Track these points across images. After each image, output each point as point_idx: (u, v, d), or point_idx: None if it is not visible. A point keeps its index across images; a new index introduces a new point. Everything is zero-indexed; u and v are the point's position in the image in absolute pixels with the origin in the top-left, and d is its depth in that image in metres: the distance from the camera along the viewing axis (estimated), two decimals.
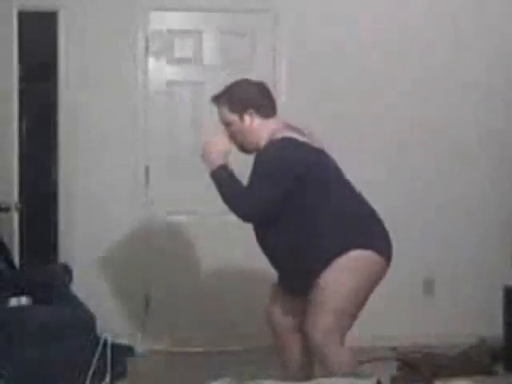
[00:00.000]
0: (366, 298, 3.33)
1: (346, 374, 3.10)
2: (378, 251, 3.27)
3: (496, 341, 4.75)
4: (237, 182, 3.30)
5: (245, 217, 3.30)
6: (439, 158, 5.37)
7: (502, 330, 4.74)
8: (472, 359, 4.62)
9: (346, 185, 3.38)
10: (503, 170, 5.40)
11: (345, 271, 3.23)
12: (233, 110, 3.34)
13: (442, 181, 5.36)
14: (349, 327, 3.32)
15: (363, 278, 3.27)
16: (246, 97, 3.36)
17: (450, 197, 5.35)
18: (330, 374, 3.23)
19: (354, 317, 3.32)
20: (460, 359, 4.62)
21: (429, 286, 5.37)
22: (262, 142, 3.32)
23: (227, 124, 3.38)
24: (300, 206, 3.25)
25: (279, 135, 3.27)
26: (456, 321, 5.30)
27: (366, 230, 3.31)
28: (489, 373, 4.53)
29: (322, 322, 3.23)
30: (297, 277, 3.35)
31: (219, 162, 3.31)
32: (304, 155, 3.25)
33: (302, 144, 3.27)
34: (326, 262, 3.23)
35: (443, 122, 5.35)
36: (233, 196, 3.28)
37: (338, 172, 3.39)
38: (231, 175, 3.30)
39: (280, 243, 3.32)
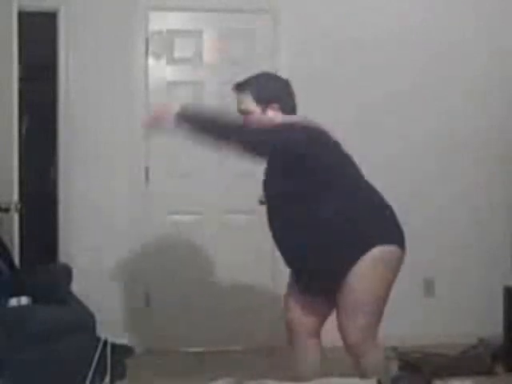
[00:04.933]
0: (390, 292, 3.32)
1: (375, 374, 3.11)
2: (399, 244, 3.27)
3: (496, 341, 4.76)
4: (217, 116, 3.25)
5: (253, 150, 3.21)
6: (440, 158, 5.37)
7: (502, 330, 4.75)
8: (472, 359, 4.62)
9: (362, 180, 3.35)
10: (503, 171, 5.40)
11: (373, 269, 3.19)
12: (258, 100, 3.28)
13: (442, 181, 5.36)
14: (378, 325, 3.34)
15: (389, 273, 3.27)
16: (272, 90, 3.32)
17: (450, 197, 5.36)
18: (365, 373, 3.25)
19: (382, 314, 3.34)
20: (460, 359, 4.62)
21: (429, 286, 5.37)
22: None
23: (247, 113, 3.30)
24: (315, 204, 3.19)
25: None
26: (456, 321, 5.30)
27: (384, 223, 3.28)
28: (489, 373, 4.54)
29: (356, 324, 3.23)
30: (319, 277, 3.29)
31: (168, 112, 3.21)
32: (334, 148, 3.27)
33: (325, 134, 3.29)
34: (352, 261, 3.19)
35: (444, 121, 5.35)
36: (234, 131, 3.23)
37: (355, 168, 3.36)
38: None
39: (299, 241, 3.24)
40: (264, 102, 3.29)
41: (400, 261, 3.31)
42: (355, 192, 3.28)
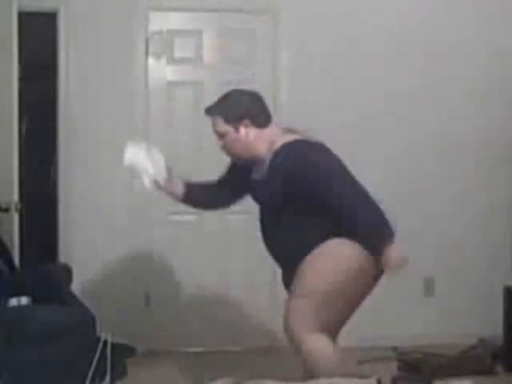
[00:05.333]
0: (353, 291, 3.24)
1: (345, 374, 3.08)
2: (362, 243, 3.20)
3: (496, 341, 4.76)
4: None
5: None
6: (440, 158, 5.37)
7: (502, 330, 4.75)
8: (472, 359, 4.62)
9: (353, 185, 3.30)
10: (503, 171, 5.40)
11: (320, 256, 3.21)
12: (228, 121, 3.33)
13: (442, 181, 5.36)
14: (331, 319, 3.23)
15: (343, 265, 3.21)
16: (240, 108, 3.35)
17: (450, 197, 5.36)
18: (304, 362, 3.20)
19: (336, 307, 3.23)
20: (460, 359, 4.62)
21: (429, 286, 5.37)
22: (260, 152, 3.33)
23: (222, 135, 3.37)
24: (298, 201, 3.23)
25: (281, 141, 3.28)
26: (456, 321, 5.30)
27: (356, 224, 3.21)
28: (489, 373, 4.54)
29: (296, 305, 3.20)
30: (285, 268, 3.38)
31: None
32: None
33: (311, 144, 3.28)
34: (306, 250, 3.23)
35: (444, 121, 5.35)
36: None
37: (341, 169, 3.33)
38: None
39: (276, 233, 3.35)
40: (234, 120, 3.33)
41: (361, 257, 3.22)
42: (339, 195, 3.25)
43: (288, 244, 3.32)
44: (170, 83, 5.22)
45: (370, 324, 4.85)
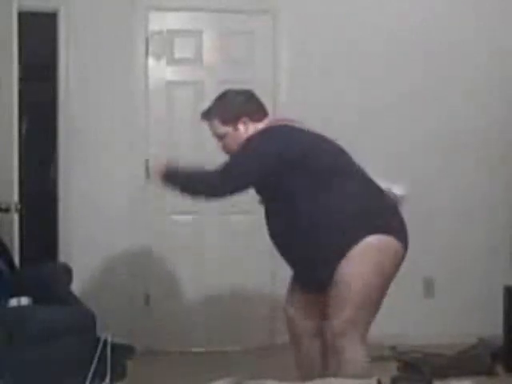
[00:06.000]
0: (386, 286, 3.24)
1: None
2: (393, 235, 3.20)
3: (496, 341, 4.75)
4: (192, 170, 3.36)
5: (219, 193, 3.32)
6: (440, 158, 5.37)
7: (502, 330, 4.75)
8: (472, 359, 4.62)
9: (354, 170, 3.32)
10: (503, 171, 5.41)
11: (361, 260, 3.14)
12: (225, 122, 3.36)
13: (442, 181, 5.36)
14: (370, 322, 3.25)
15: (383, 262, 3.18)
16: (236, 107, 3.38)
17: (450, 197, 5.36)
18: (339, 369, 3.17)
19: (375, 309, 3.25)
20: (460, 359, 4.62)
21: (429, 286, 5.37)
22: None
23: (221, 137, 3.39)
24: (301, 194, 3.18)
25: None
26: (456, 321, 5.30)
27: (378, 215, 3.22)
28: (489, 373, 4.54)
29: (344, 313, 3.15)
30: (311, 271, 3.26)
31: (161, 170, 3.38)
32: (299, 140, 3.24)
33: (298, 130, 3.28)
34: (340, 252, 3.15)
35: (444, 121, 5.36)
36: (200, 181, 3.33)
37: (345, 158, 3.33)
38: (182, 170, 3.37)
39: (289, 233, 3.25)
40: (231, 120, 3.35)
41: (398, 254, 3.23)
42: (349, 186, 3.25)
43: (305, 247, 3.23)
44: (170, 83, 5.22)
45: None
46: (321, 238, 3.18)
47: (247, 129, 3.35)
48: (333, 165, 3.26)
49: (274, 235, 3.35)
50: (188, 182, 3.37)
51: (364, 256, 3.15)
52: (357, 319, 3.18)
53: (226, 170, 3.23)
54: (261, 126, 3.35)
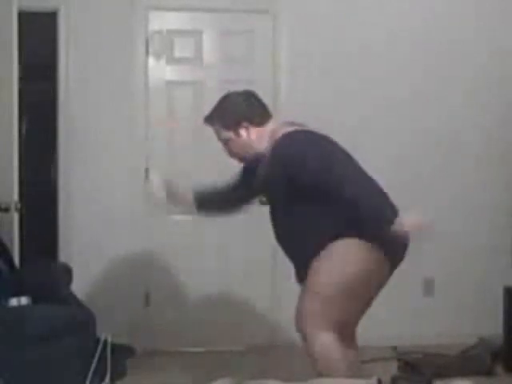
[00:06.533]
0: (365, 293, 3.25)
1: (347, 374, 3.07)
2: (378, 244, 3.17)
3: (496, 341, 4.76)
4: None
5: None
6: (440, 158, 5.37)
7: (502, 330, 4.75)
8: (472, 359, 4.62)
9: (355, 172, 3.31)
10: (504, 170, 5.41)
11: (333, 256, 3.18)
12: (227, 127, 3.36)
13: (442, 181, 5.36)
14: (343, 319, 3.23)
15: (353, 266, 3.18)
16: (236, 112, 3.37)
17: (450, 197, 5.36)
18: (314, 361, 3.19)
19: (347, 307, 3.22)
20: (460, 359, 4.62)
21: (429, 286, 5.37)
22: (263, 149, 3.33)
23: (225, 141, 3.40)
24: (301, 190, 3.20)
25: (281, 132, 3.28)
26: (456, 321, 5.30)
27: (367, 220, 3.17)
28: (489, 373, 4.54)
29: (309, 306, 3.20)
30: (299, 263, 3.33)
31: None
32: (321, 149, 3.24)
33: (311, 133, 3.29)
34: (318, 247, 3.20)
35: (444, 121, 5.36)
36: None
37: (347, 159, 3.33)
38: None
39: (285, 226, 3.31)
40: (232, 125, 3.36)
41: (381, 265, 3.23)
42: (345, 187, 3.21)
43: (298, 239, 3.28)
44: (170, 83, 5.22)
45: (369, 324, 4.84)
46: (306, 234, 3.24)
47: (249, 134, 3.35)
48: (332, 166, 3.22)
49: (274, 227, 3.39)
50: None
51: (335, 254, 3.19)
52: (323, 313, 3.18)
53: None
54: (266, 129, 3.34)
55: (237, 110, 3.38)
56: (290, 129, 3.31)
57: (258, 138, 3.35)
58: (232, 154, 3.42)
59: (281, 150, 3.23)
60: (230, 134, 3.36)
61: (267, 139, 3.33)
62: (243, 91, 3.45)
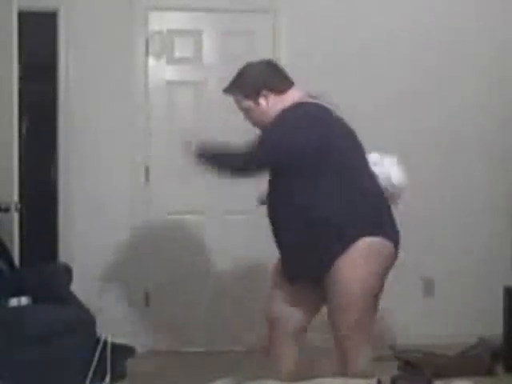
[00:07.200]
0: (382, 287, 3.26)
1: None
2: (387, 237, 3.21)
3: (496, 341, 4.75)
4: (222, 145, 3.26)
5: (248, 166, 3.24)
6: (440, 158, 5.37)
7: (502, 330, 4.74)
8: (472, 359, 4.62)
9: (365, 164, 3.37)
10: (504, 170, 5.41)
11: (360, 263, 3.14)
12: (246, 96, 3.31)
13: (442, 181, 5.36)
14: (372, 322, 3.28)
15: (377, 266, 3.19)
16: (256, 80, 3.32)
17: (451, 197, 5.36)
18: (344, 370, 3.19)
19: (375, 310, 3.26)
20: (460, 359, 4.62)
21: (429, 286, 5.37)
22: None
23: (246, 111, 3.35)
24: (315, 176, 3.17)
25: (289, 102, 3.27)
26: (456, 321, 5.30)
27: (375, 216, 3.23)
28: (489, 373, 4.54)
29: (349, 318, 3.16)
30: (310, 258, 3.22)
31: (192, 150, 3.29)
32: (319, 131, 3.24)
33: (324, 116, 3.32)
34: (344, 245, 3.14)
35: (444, 121, 5.36)
36: (228, 155, 3.26)
37: (359, 150, 3.38)
38: (211, 146, 3.28)
39: (294, 217, 3.21)
40: (253, 94, 3.31)
41: (391, 256, 3.24)
42: (349, 181, 3.25)
43: (309, 232, 3.20)
44: (170, 83, 5.22)
45: None
46: (320, 232, 3.17)
47: (268, 102, 3.30)
48: (341, 163, 3.25)
49: (274, 218, 3.31)
50: (217, 156, 3.29)
51: (362, 258, 3.15)
52: (362, 322, 3.20)
53: (258, 142, 3.19)
54: (286, 97, 3.30)
55: (256, 78, 3.34)
56: (306, 100, 3.29)
57: (276, 106, 3.29)
58: (253, 123, 3.37)
59: (264, 134, 3.23)
60: (250, 103, 3.31)
61: (290, 105, 3.27)
62: (263, 60, 3.42)
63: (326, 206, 3.17)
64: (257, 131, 3.35)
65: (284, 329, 3.39)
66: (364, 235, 3.16)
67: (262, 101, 3.31)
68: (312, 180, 3.17)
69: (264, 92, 3.30)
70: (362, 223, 3.18)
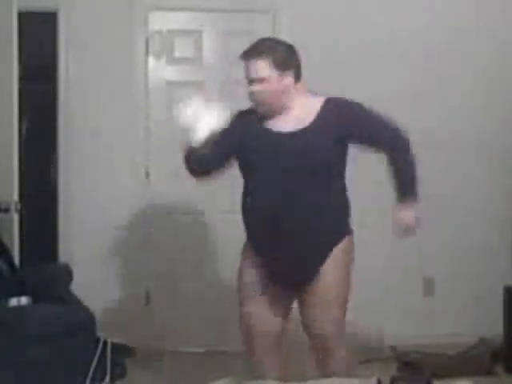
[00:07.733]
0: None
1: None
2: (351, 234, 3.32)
3: (496, 341, 4.76)
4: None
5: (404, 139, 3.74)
6: (440, 158, 5.37)
7: (502, 330, 4.75)
8: (472, 359, 4.62)
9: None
10: (503, 171, 5.41)
11: (342, 261, 3.21)
12: (276, 66, 3.15)
13: (442, 181, 5.36)
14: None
15: (351, 264, 3.29)
16: (290, 56, 3.23)
17: (450, 197, 5.35)
18: (329, 370, 3.21)
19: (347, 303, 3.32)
20: (460, 359, 4.62)
21: (429, 286, 5.37)
22: (292, 104, 3.22)
23: (261, 80, 3.17)
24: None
25: (317, 96, 3.33)
26: (456, 321, 5.30)
27: (349, 214, 3.33)
28: (489, 373, 4.54)
29: (332, 315, 3.19)
30: (297, 266, 3.22)
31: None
32: None
33: None
34: (326, 251, 3.19)
35: (444, 121, 5.35)
36: None
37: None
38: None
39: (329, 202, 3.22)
40: (282, 68, 3.17)
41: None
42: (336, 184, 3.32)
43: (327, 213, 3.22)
44: (170, 83, 5.22)
45: (369, 324, 4.86)
46: (312, 232, 3.19)
47: (290, 83, 3.20)
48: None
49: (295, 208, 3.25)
50: None
51: (344, 256, 3.22)
52: (342, 319, 3.24)
53: (388, 123, 3.65)
54: (301, 88, 3.26)
55: (291, 54, 3.25)
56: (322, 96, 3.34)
57: (290, 91, 3.21)
58: (260, 98, 3.21)
59: (333, 106, 3.39)
60: (274, 75, 3.16)
61: (294, 99, 3.22)
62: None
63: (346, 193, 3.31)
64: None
65: (267, 341, 3.42)
66: (345, 234, 3.26)
67: (286, 78, 3.18)
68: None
69: (290, 71, 3.19)
70: (345, 222, 3.30)
